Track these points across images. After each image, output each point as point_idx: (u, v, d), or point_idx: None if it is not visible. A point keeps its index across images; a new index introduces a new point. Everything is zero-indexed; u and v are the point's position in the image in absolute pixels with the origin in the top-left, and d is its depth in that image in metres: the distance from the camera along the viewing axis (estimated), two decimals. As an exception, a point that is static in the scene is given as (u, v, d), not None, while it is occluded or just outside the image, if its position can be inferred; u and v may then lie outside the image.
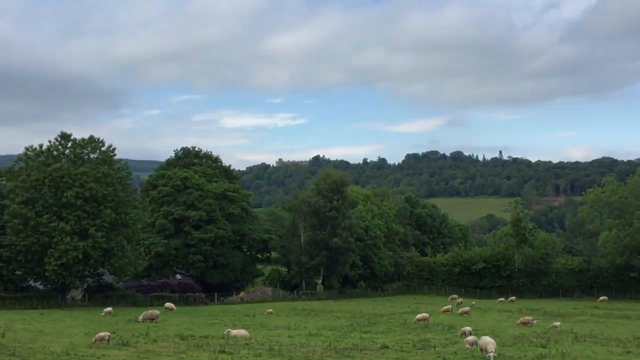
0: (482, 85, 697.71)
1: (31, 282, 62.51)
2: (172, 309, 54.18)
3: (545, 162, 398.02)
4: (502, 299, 77.55)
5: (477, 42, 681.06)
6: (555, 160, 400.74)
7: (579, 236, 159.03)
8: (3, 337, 32.84)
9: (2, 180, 62.06)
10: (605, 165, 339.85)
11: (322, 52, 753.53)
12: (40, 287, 62.02)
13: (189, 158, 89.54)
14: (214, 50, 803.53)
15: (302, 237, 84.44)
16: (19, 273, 60.47)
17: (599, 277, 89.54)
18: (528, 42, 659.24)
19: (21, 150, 63.51)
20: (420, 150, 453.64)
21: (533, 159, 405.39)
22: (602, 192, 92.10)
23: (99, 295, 62.18)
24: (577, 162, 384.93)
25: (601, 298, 78.10)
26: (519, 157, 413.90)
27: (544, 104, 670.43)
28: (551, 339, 36.72)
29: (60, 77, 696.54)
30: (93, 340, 31.69)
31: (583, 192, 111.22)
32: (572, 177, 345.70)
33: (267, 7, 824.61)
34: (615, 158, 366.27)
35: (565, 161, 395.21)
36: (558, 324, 44.29)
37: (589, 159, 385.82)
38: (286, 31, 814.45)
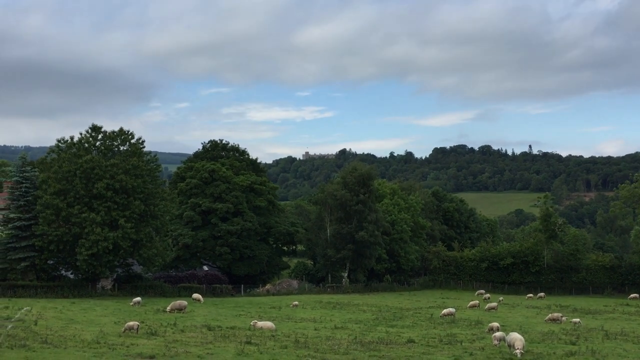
0: (514, 79, 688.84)
1: (63, 272, 63.80)
2: (199, 300, 54.72)
3: (576, 156, 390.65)
4: (531, 295, 76.53)
5: (509, 35, 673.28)
6: (587, 155, 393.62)
7: (611, 232, 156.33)
8: (35, 325, 33.53)
9: (35, 172, 63.27)
10: (639, 160, 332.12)
11: (351, 45, 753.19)
12: (72, 276, 63.22)
13: (216, 151, 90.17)
14: (243, 43, 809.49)
15: (328, 231, 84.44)
16: (51, 262, 61.72)
17: (630, 274, 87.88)
18: (561, 35, 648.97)
19: (54, 142, 64.85)
20: (448, 144, 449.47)
21: (564, 154, 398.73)
22: (635, 188, 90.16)
23: (128, 285, 63.20)
24: (609, 157, 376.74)
25: (632, 295, 76.46)
26: (550, 151, 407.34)
27: (576, 97, 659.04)
28: (581, 336, 36.13)
29: (93, 71, 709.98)
30: (122, 329, 32.20)
31: (615, 188, 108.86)
32: (604, 172, 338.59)
33: (298, 0, 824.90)
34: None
35: (597, 156, 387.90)
36: (577, 320, 43.37)
37: (622, 154, 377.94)
38: (316, 24, 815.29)
